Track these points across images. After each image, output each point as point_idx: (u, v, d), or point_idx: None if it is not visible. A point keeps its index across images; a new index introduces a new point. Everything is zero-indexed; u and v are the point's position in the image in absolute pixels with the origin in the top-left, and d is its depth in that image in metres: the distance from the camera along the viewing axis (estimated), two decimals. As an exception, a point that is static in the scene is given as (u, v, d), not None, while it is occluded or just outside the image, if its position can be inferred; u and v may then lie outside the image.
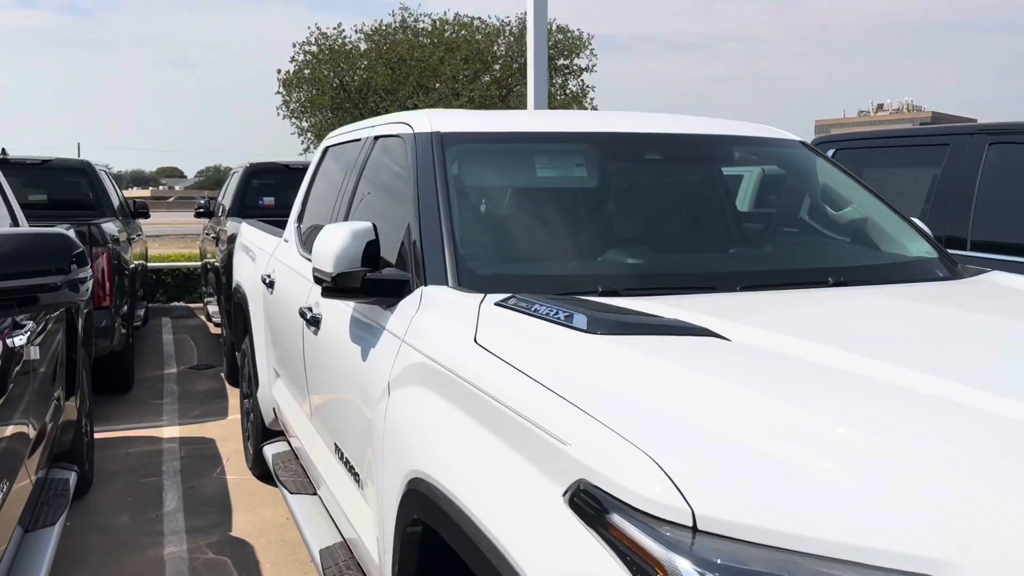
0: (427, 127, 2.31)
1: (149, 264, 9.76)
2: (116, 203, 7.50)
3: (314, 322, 2.57)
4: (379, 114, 26.43)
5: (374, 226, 2.07)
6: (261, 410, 3.95)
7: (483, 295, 1.72)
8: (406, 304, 1.93)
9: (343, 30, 25.84)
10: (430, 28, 25.81)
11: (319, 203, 3.40)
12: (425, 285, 1.91)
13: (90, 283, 2.26)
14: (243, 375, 4.58)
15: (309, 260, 2.99)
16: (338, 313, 2.35)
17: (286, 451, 3.57)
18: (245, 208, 7.25)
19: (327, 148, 3.65)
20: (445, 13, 26.09)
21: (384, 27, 25.72)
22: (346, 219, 2.67)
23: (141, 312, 7.73)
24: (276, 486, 3.42)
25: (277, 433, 3.90)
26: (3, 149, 7.09)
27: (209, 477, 4.42)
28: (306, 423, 2.94)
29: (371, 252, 2.01)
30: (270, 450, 3.66)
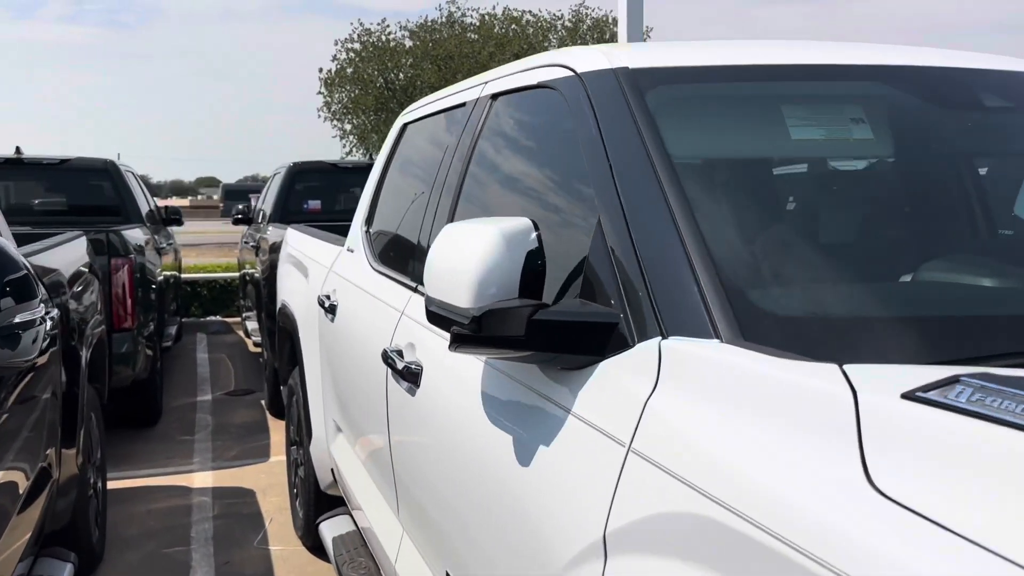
0: (604, 63, 1.45)
1: (183, 275, 9.17)
2: (145, 209, 6.86)
3: (409, 376, 1.72)
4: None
5: (535, 225, 1.22)
6: (315, 469, 3.14)
7: (838, 368, 0.83)
8: (617, 369, 1.06)
9: (387, 25, 25.41)
10: (478, 23, 25.17)
11: (397, 200, 2.58)
12: (664, 336, 1.02)
13: (44, 329, 1.47)
14: (290, 416, 3.80)
15: (391, 278, 2.22)
16: (455, 368, 1.50)
17: (351, 532, 2.75)
18: (288, 213, 6.55)
19: (406, 125, 2.84)
20: (494, 7, 25.36)
21: (430, 23, 25.20)
22: (451, 220, 1.82)
23: (173, 330, 7.09)
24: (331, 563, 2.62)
25: (334, 499, 3.09)
26: (17, 148, 6.53)
27: (249, 547, 3.63)
28: (388, 515, 2.10)
29: (534, 272, 1.16)
30: (329, 530, 2.84)
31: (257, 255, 6.41)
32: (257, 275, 6.28)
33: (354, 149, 26.38)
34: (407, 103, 25.16)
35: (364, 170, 5.87)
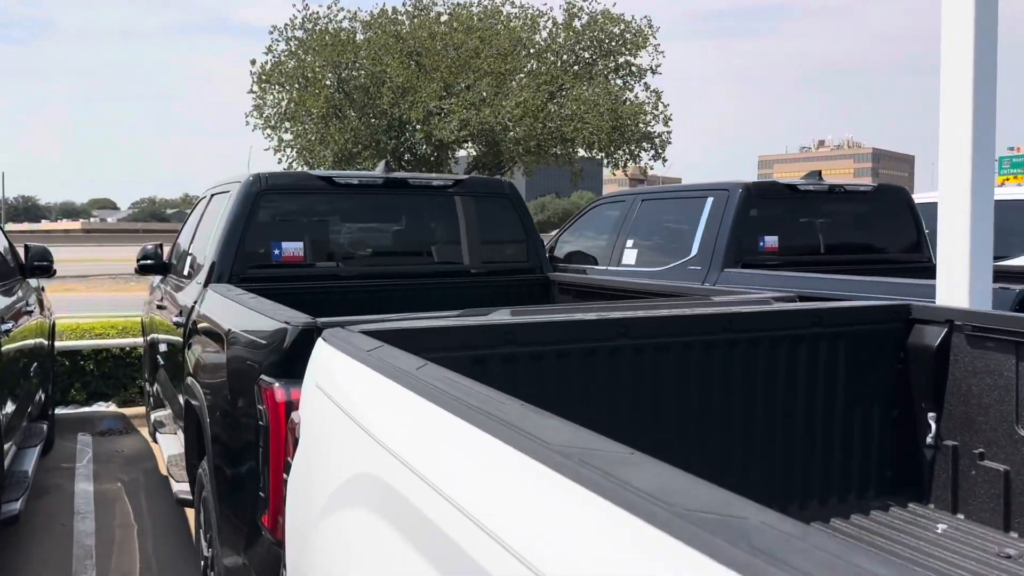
0: None
1: (57, 344, 6.59)
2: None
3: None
4: (392, 119, 23.30)
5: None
6: None
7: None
8: None
9: (340, 10, 23.05)
10: (448, 16, 23.11)
11: None
12: None
13: None
14: None
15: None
16: None
17: None
18: (244, 269, 4.09)
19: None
20: (469, -1, 23.33)
21: (391, 12, 23.00)
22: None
23: (33, 449, 4.53)
24: None
25: None
26: None
27: None
28: None
29: None
30: None
31: (191, 338, 3.94)
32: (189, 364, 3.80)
33: (294, 165, 23.77)
34: (368, 107, 22.90)
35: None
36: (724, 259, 5.45)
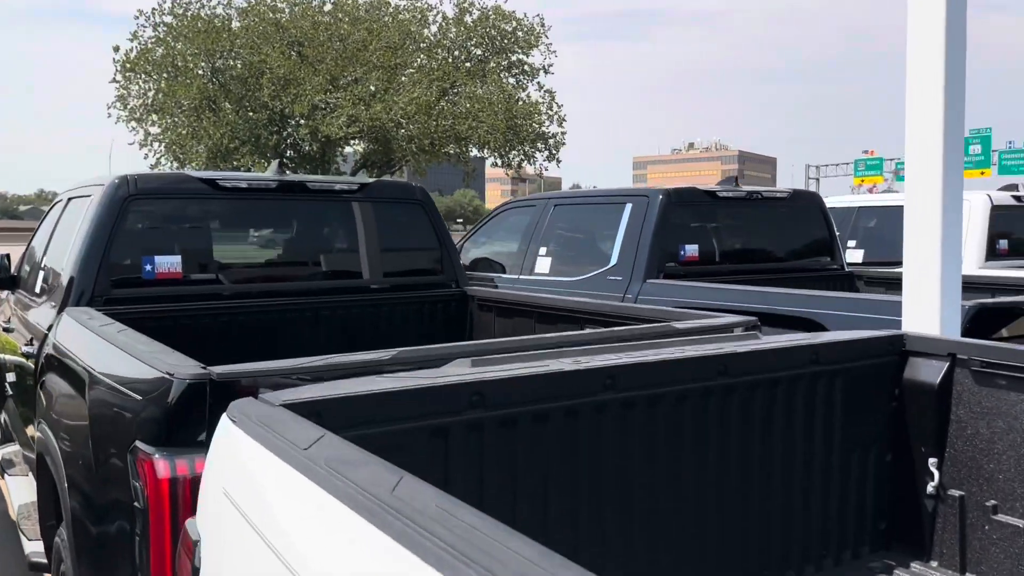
0: None
1: None
2: None
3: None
4: (274, 113, 22.35)
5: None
6: None
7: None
8: None
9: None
10: (332, 6, 22.20)
11: None
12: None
13: None
14: None
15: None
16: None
17: None
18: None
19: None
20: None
21: (270, 0, 21.88)
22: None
23: None
24: None
25: None
26: None
27: None
28: None
29: None
30: None
31: (45, 365, 3.31)
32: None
33: (163, 160, 22.27)
34: (247, 99, 21.64)
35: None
36: (646, 269, 5.23)
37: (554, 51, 24.61)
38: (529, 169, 25.12)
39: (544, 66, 24.21)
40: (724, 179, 6.16)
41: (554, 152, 23.54)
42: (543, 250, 6.24)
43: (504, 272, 6.63)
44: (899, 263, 8.43)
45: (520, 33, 23.63)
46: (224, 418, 1.31)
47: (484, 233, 7.35)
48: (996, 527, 2.01)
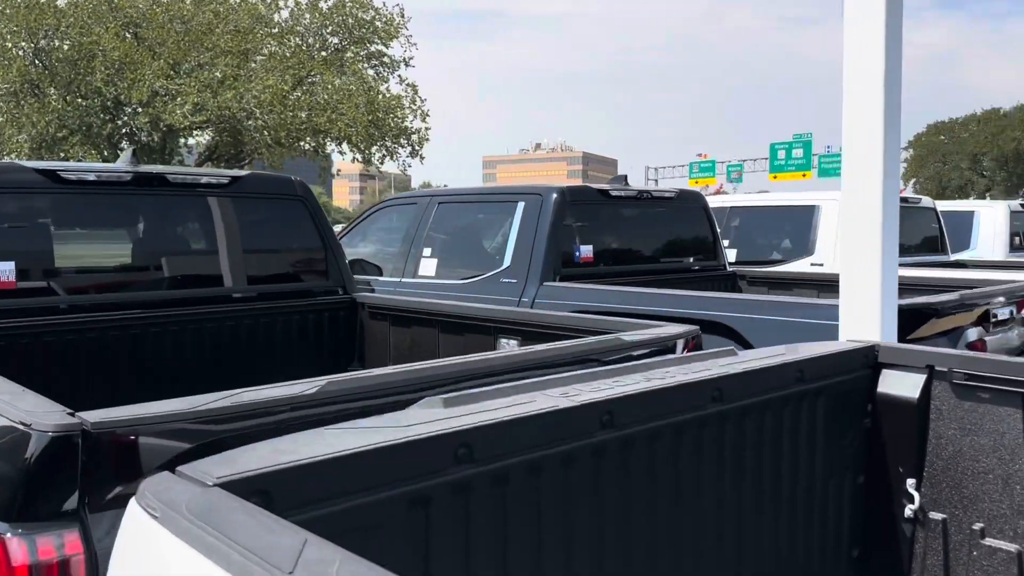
0: None
1: None
2: None
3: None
4: (107, 99, 20.59)
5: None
6: None
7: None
8: None
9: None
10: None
11: None
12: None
13: None
14: None
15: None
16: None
17: None
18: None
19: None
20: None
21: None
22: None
23: None
24: None
25: None
26: None
27: None
28: None
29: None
30: None
31: None
32: None
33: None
34: (77, 84, 19.67)
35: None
36: (542, 271, 5.03)
37: (415, 43, 24.17)
38: (391, 166, 24.53)
39: (405, 58, 23.70)
40: (613, 178, 6.07)
41: (418, 148, 23.08)
42: (427, 251, 5.91)
43: (381, 275, 6.25)
44: (771, 262, 8.71)
45: (379, 23, 22.97)
46: (134, 506, 0.92)
47: (357, 234, 6.92)
48: (984, 553, 1.92)
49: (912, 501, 2.04)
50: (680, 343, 2.58)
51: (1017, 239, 10.04)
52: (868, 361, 2.15)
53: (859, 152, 2.65)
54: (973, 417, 1.98)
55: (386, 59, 23.57)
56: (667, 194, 6.07)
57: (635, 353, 2.33)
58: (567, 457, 1.38)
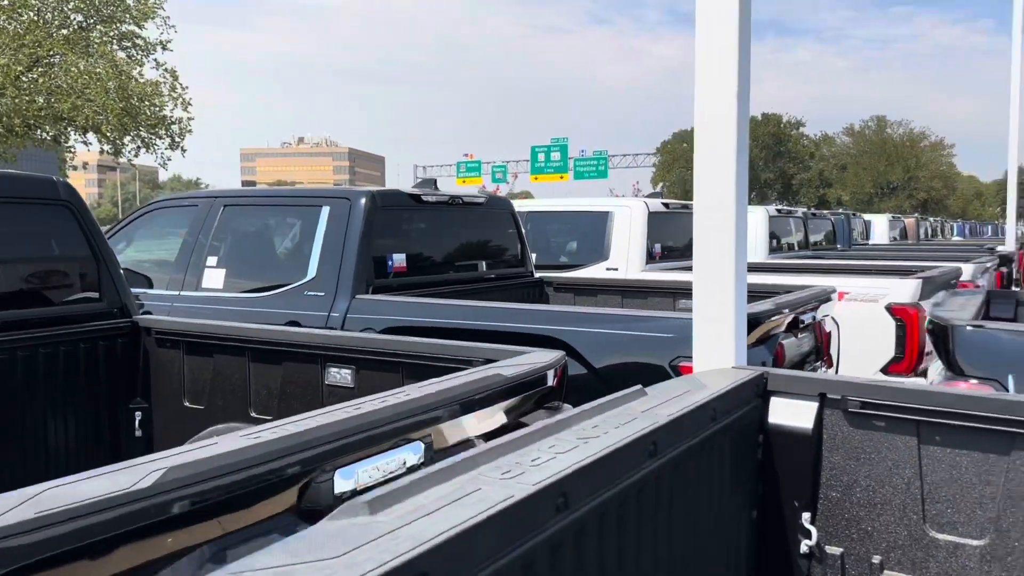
0: None
1: None
2: None
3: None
4: None
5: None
6: None
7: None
8: None
9: None
10: None
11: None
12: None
13: None
14: None
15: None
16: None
17: None
18: None
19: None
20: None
21: None
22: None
23: None
24: None
25: None
26: None
27: None
28: None
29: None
30: None
31: None
32: None
33: None
34: None
35: None
36: (353, 282, 4.60)
37: (173, 26, 22.18)
38: (148, 159, 22.30)
39: (162, 41, 21.64)
40: (421, 181, 5.76)
41: (179, 140, 21.17)
42: (212, 260, 5.23)
43: (151, 287, 5.48)
44: (568, 267, 8.81)
45: (131, 1, 20.81)
46: None
47: (122, 239, 6.03)
48: None
49: (808, 536, 1.94)
50: (551, 373, 2.34)
51: (775, 241, 10.96)
52: (758, 391, 2.03)
53: (712, 188, 2.51)
54: (868, 446, 1.92)
55: (140, 41, 21.42)
56: (478, 199, 5.86)
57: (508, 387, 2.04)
58: (527, 562, 1.06)
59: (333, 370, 2.86)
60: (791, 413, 1.98)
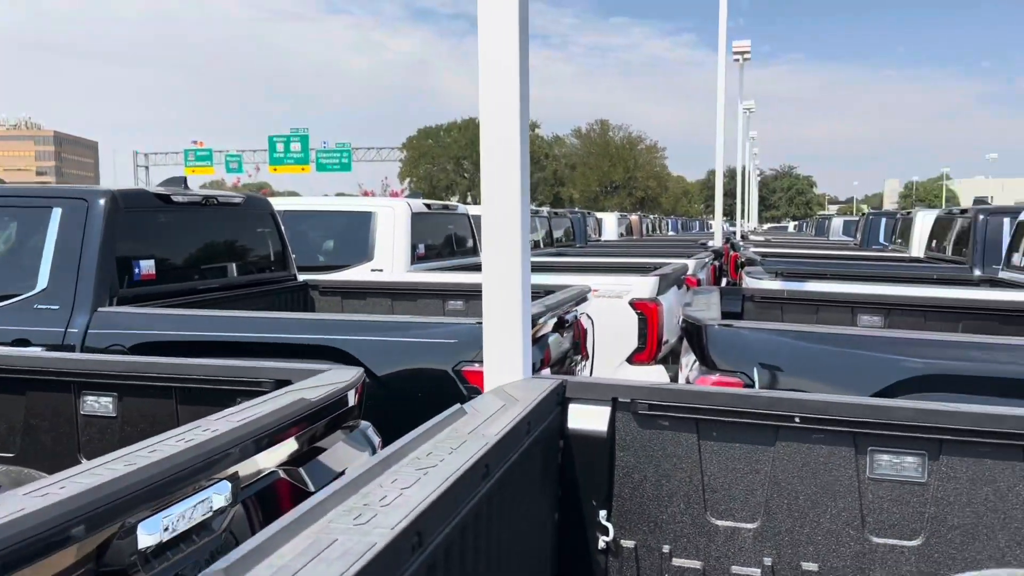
0: None
1: None
2: None
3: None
4: None
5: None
6: None
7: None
8: None
9: None
10: None
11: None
12: None
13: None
14: None
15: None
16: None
17: None
18: None
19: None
20: None
21: None
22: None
23: None
24: None
25: None
26: None
27: None
28: None
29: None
30: None
31: None
32: None
33: None
34: None
35: None
36: (95, 294, 4.14)
37: None
38: None
39: None
40: (169, 179, 5.30)
41: None
42: (-95, 269, 4.44)
43: None
44: (332, 268, 8.58)
45: None
46: None
47: None
48: (674, 573, 2.02)
49: (606, 532, 2.08)
50: (351, 393, 2.28)
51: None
52: (559, 398, 2.14)
53: (499, 203, 2.55)
54: (655, 444, 2.09)
55: None
56: (234, 199, 5.52)
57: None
58: None
59: (90, 398, 2.57)
60: (587, 418, 2.10)
